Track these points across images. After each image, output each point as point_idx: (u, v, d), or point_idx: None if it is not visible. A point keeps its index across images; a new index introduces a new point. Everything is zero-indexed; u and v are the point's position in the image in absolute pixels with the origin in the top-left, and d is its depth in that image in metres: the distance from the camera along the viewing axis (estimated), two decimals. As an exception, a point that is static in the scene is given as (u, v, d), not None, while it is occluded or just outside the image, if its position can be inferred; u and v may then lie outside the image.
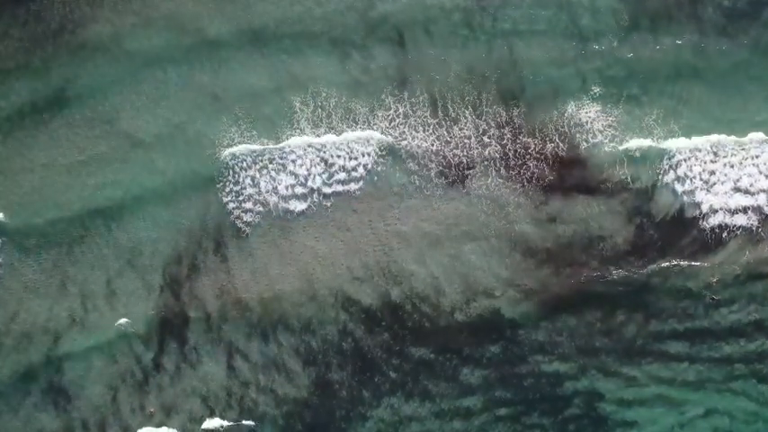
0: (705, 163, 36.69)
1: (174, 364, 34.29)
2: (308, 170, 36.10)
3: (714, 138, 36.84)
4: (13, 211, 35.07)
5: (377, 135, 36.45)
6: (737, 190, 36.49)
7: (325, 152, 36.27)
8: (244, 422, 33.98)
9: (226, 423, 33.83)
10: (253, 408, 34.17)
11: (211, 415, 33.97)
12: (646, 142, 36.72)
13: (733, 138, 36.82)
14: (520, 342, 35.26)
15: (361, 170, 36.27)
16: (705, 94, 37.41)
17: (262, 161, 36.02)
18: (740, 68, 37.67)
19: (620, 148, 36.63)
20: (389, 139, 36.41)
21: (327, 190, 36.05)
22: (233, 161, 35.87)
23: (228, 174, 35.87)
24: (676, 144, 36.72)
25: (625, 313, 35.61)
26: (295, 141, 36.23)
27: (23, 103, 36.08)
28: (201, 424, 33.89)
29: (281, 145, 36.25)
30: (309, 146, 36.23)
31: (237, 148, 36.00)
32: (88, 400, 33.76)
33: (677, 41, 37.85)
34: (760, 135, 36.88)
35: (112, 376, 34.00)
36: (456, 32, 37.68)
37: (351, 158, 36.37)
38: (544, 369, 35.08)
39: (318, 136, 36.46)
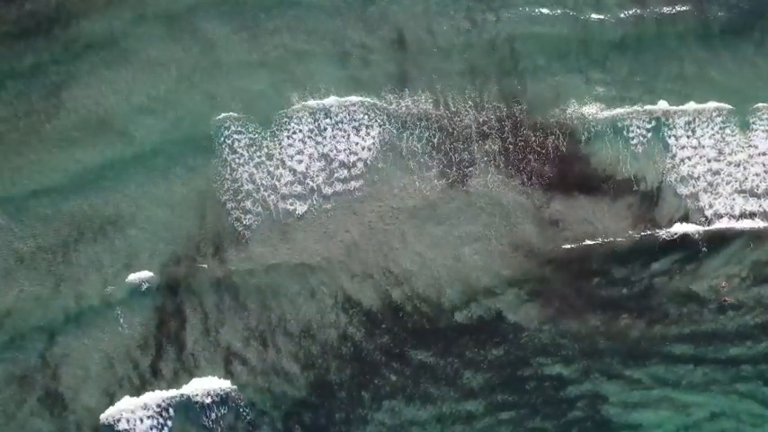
0: (709, 162, 36.24)
1: (171, 369, 33.67)
2: (307, 166, 35.62)
3: (712, 105, 36.53)
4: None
5: (381, 104, 36.30)
6: (743, 192, 36.00)
7: (324, 145, 35.78)
8: (222, 384, 33.49)
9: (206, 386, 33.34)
10: (251, 410, 33.65)
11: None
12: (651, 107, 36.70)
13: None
14: (522, 345, 34.85)
15: (361, 166, 35.85)
16: (713, 77, 37.20)
17: (259, 156, 35.56)
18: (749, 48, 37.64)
19: (610, 113, 36.46)
20: (392, 107, 36.32)
21: (327, 189, 35.57)
22: (231, 156, 35.43)
23: (226, 171, 35.36)
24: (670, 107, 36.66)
25: (629, 315, 35.25)
26: (295, 107, 35.94)
27: (15, 96, 35.56)
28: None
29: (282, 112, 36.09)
30: (309, 135, 35.77)
31: (231, 120, 35.59)
32: (84, 406, 33.04)
33: (681, 23, 37.72)
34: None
35: (109, 381, 33.29)
36: (457, 28, 37.42)
37: (351, 153, 35.90)
38: (547, 372, 34.70)
39: (317, 127, 36.04)
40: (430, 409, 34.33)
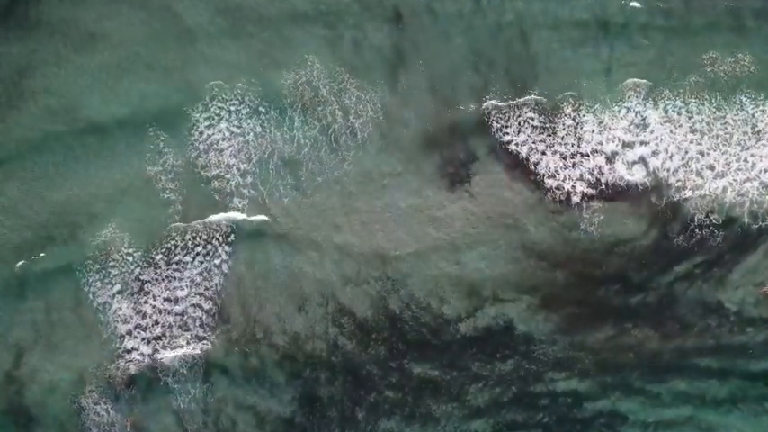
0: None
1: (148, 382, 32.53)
2: (298, 157, 33.89)
3: None
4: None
5: (374, 91, 34.74)
6: None
7: (314, 131, 34.09)
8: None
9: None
10: (231, 428, 32.15)
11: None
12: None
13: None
14: (533, 357, 33.06)
15: (353, 159, 34.05)
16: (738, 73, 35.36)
17: (245, 140, 33.94)
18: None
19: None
20: (387, 95, 34.68)
21: (319, 179, 33.83)
22: (215, 143, 33.90)
23: (212, 165, 33.78)
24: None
25: (648, 326, 33.42)
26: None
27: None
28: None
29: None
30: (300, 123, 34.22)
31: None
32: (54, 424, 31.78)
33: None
34: None
35: (81, 396, 32.01)
36: (460, 9, 35.53)
37: (343, 143, 34.16)
38: (560, 388, 33.02)
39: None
40: (432, 429, 32.74)
